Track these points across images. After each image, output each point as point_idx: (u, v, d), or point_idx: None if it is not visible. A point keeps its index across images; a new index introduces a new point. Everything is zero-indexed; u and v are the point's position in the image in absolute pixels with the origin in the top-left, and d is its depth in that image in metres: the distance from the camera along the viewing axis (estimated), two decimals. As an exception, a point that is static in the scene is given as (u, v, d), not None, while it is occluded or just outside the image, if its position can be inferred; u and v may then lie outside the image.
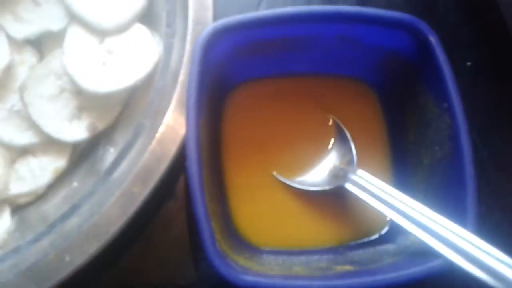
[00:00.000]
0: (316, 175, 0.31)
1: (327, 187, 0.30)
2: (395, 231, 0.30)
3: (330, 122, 0.32)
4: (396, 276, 0.24)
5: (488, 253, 0.23)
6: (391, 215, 0.26)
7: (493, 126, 0.35)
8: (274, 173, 0.31)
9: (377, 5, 0.36)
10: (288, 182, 0.30)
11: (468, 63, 0.36)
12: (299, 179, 0.31)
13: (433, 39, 0.28)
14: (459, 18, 0.37)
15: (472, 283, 0.23)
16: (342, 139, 0.31)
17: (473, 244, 0.23)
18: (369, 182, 0.27)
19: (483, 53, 0.36)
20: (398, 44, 0.29)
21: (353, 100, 0.33)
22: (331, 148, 0.32)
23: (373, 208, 0.26)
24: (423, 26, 0.28)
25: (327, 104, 0.33)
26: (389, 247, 0.29)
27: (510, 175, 0.33)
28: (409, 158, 0.31)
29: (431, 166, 0.29)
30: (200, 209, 0.24)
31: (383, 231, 0.30)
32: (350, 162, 0.30)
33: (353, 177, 0.28)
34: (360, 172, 0.28)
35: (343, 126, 0.32)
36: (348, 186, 0.28)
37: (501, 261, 0.22)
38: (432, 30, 0.28)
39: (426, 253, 0.26)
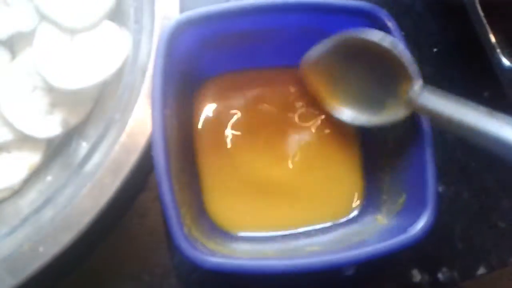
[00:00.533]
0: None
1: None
2: (364, 213, 0.31)
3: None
4: (358, 253, 0.24)
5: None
6: None
7: (459, 109, 0.35)
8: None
9: (342, -4, 0.37)
10: None
11: (434, 49, 0.37)
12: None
13: (391, 24, 0.29)
14: (425, 7, 0.38)
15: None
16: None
17: None
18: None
19: (447, 39, 0.37)
20: (360, 32, 0.30)
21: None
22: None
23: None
24: (382, 13, 0.29)
25: (294, 93, 0.33)
26: (358, 228, 0.30)
27: (478, 156, 0.34)
28: (377, 142, 0.31)
29: (395, 144, 0.30)
30: (167, 195, 0.24)
31: (352, 214, 0.31)
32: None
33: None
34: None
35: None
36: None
37: None
38: (391, 16, 0.29)
39: (393, 230, 0.27)
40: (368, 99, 0.30)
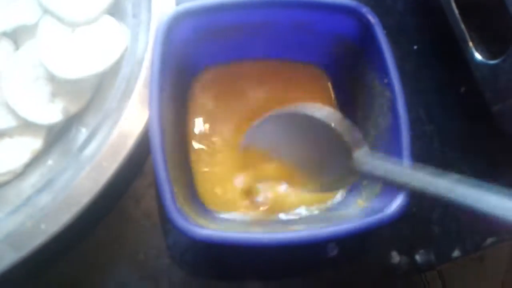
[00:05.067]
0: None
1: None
2: (346, 198, 0.33)
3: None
4: (339, 229, 0.26)
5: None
6: None
7: (438, 103, 0.38)
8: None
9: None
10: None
11: (415, 47, 0.39)
12: None
13: (373, 20, 0.31)
14: (406, 6, 0.40)
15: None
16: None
17: None
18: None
19: (427, 37, 0.39)
20: (346, 28, 0.32)
21: (306, 83, 0.36)
22: None
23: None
24: (365, 10, 0.31)
25: (284, 86, 0.35)
26: (340, 211, 0.32)
27: (454, 147, 0.37)
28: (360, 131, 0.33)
29: (377, 137, 0.32)
30: (161, 171, 0.26)
31: (335, 200, 0.33)
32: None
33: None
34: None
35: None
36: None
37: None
38: (373, 13, 0.31)
39: (372, 212, 0.28)
40: (318, 169, 0.30)
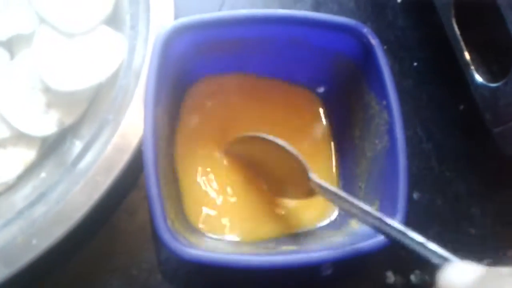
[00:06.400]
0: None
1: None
2: (340, 220, 0.32)
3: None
4: (334, 252, 0.26)
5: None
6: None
7: (436, 121, 0.37)
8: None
9: (329, 10, 0.39)
10: None
11: (415, 64, 0.39)
12: None
13: (374, 42, 0.31)
14: (406, 23, 0.40)
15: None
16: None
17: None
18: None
19: (427, 54, 0.39)
20: (345, 47, 0.32)
21: (299, 105, 0.36)
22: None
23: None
24: (366, 30, 0.31)
25: (276, 104, 0.35)
26: (333, 232, 0.31)
27: (451, 165, 0.36)
28: (355, 151, 0.33)
29: (372, 158, 0.31)
30: (153, 187, 0.26)
31: (328, 220, 0.33)
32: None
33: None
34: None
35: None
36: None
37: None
38: (374, 34, 0.31)
39: (366, 234, 0.28)
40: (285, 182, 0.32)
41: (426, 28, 0.39)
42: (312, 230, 0.32)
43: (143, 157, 0.27)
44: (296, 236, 0.32)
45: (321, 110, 0.36)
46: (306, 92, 0.36)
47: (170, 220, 0.26)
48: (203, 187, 0.32)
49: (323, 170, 0.34)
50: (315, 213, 0.33)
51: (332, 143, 0.35)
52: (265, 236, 0.32)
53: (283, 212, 0.33)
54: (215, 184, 0.32)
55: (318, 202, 0.32)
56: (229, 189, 0.32)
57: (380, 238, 0.26)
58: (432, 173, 0.36)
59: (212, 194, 0.32)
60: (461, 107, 0.38)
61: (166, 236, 0.25)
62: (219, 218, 0.32)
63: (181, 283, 0.32)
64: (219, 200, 0.32)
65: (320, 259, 0.26)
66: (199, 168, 0.33)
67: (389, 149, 0.30)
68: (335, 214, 0.33)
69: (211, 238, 0.31)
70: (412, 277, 0.34)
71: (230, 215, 0.32)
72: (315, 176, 0.28)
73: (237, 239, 0.31)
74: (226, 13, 0.31)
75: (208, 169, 0.33)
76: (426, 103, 0.38)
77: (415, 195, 0.35)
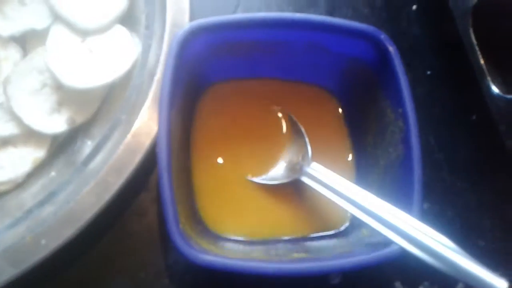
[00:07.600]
0: (276, 170, 0.33)
1: (284, 181, 0.32)
2: (352, 227, 0.32)
3: (285, 123, 0.35)
4: (344, 262, 0.26)
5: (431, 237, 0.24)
6: (343, 205, 0.28)
7: (448, 130, 0.37)
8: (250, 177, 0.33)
9: (344, 15, 0.39)
10: (252, 179, 0.33)
11: (428, 72, 0.38)
12: (263, 176, 0.33)
13: (392, 49, 0.30)
14: (420, 30, 0.39)
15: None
16: (297, 134, 0.33)
17: (419, 230, 0.26)
18: (324, 175, 0.30)
19: (440, 62, 0.39)
20: (361, 52, 0.32)
21: (317, 105, 0.35)
22: (288, 144, 0.34)
23: (329, 199, 0.29)
24: (383, 37, 0.31)
25: (293, 108, 0.35)
26: (345, 240, 0.31)
27: (463, 175, 0.36)
28: (368, 159, 0.33)
29: (386, 166, 0.31)
30: (166, 191, 0.26)
31: (341, 227, 0.32)
32: (305, 156, 0.32)
33: (308, 170, 0.30)
34: (314, 165, 0.30)
35: (297, 122, 0.33)
36: (304, 179, 0.30)
37: (443, 244, 0.24)
38: (391, 41, 0.31)
39: (378, 244, 0.28)
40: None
41: (440, 36, 0.39)
42: (323, 236, 0.32)
43: (158, 161, 0.26)
44: (307, 242, 0.31)
45: (340, 110, 0.36)
46: (323, 91, 0.36)
47: (182, 224, 0.26)
48: (218, 187, 0.32)
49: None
50: (327, 218, 0.32)
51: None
52: (278, 234, 0.32)
53: (295, 214, 0.32)
54: (229, 184, 0.32)
55: (329, 208, 0.32)
56: (242, 189, 0.32)
57: (392, 248, 0.26)
58: (443, 183, 0.36)
59: (227, 194, 0.32)
60: (473, 117, 0.37)
61: (179, 241, 0.25)
62: (232, 218, 0.32)
63: (189, 287, 0.32)
64: (233, 199, 0.32)
65: (332, 268, 0.26)
66: (214, 169, 0.32)
67: (403, 158, 0.29)
68: (346, 223, 0.33)
69: (222, 238, 0.30)
70: (421, 288, 0.33)
71: (244, 214, 0.32)
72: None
73: (249, 238, 0.31)
74: (244, 15, 0.31)
75: (222, 170, 0.33)
76: (438, 111, 0.38)
77: (425, 205, 0.35)
